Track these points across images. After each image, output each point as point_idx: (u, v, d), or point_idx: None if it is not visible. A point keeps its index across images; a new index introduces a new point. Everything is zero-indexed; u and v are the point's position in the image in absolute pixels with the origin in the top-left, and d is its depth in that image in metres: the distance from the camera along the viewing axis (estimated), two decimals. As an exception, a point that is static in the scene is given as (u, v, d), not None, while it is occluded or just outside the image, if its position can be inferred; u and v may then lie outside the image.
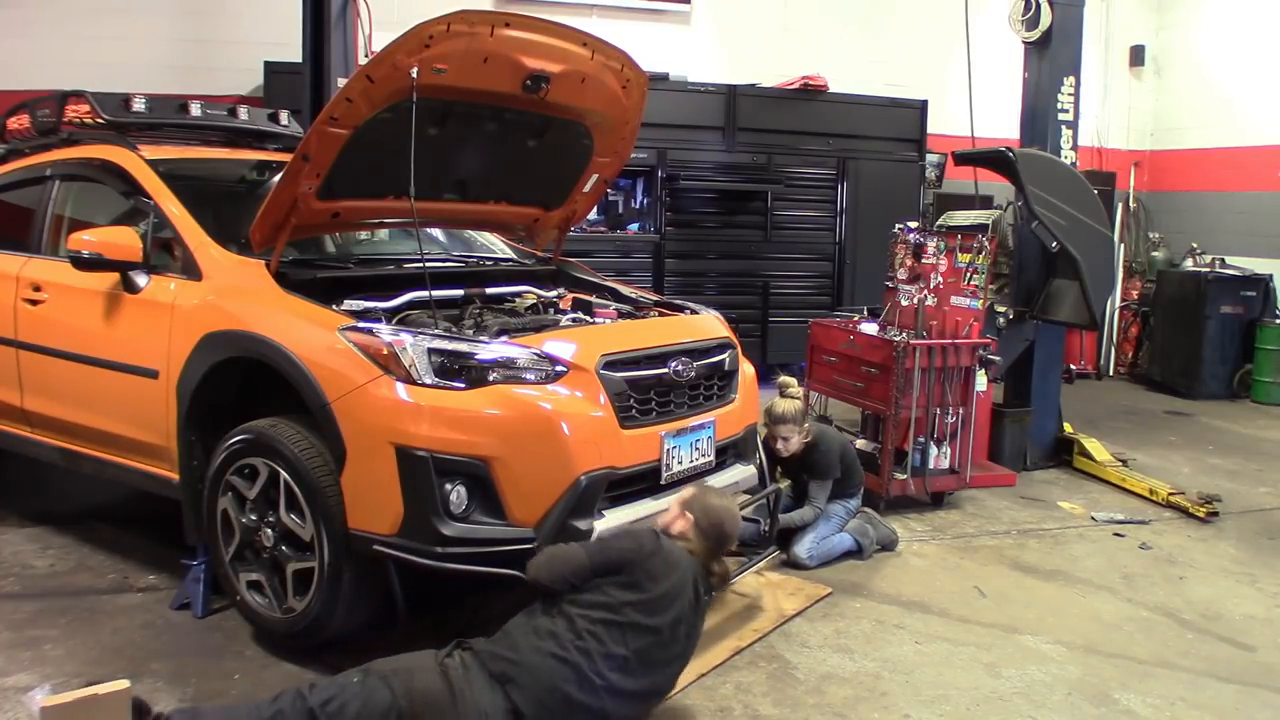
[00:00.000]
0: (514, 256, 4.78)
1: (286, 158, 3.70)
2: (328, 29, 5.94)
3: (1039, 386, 6.42)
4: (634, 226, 8.42)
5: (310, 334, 3.24)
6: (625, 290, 4.43)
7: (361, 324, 3.20)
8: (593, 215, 7.64)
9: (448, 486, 3.02)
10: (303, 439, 3.21)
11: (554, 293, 4.25)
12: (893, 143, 9.00)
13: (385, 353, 3.08)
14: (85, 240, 3.70)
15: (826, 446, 4.53)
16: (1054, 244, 5.79)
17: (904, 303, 5.92)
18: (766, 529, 4.21)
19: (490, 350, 3.19)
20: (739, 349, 4.04)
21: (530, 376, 3.20)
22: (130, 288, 3.79)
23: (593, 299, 4.27)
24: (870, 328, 5.72)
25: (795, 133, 8.68)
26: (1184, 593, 4.39)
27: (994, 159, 6.03)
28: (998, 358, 5.72)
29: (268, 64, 7.70)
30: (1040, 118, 6.39)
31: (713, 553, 2.99)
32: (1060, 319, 6.23)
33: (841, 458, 4.60)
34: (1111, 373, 10.50)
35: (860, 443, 5.62)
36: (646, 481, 3.48)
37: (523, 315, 3.86)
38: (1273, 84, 9.64)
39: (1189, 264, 9.91)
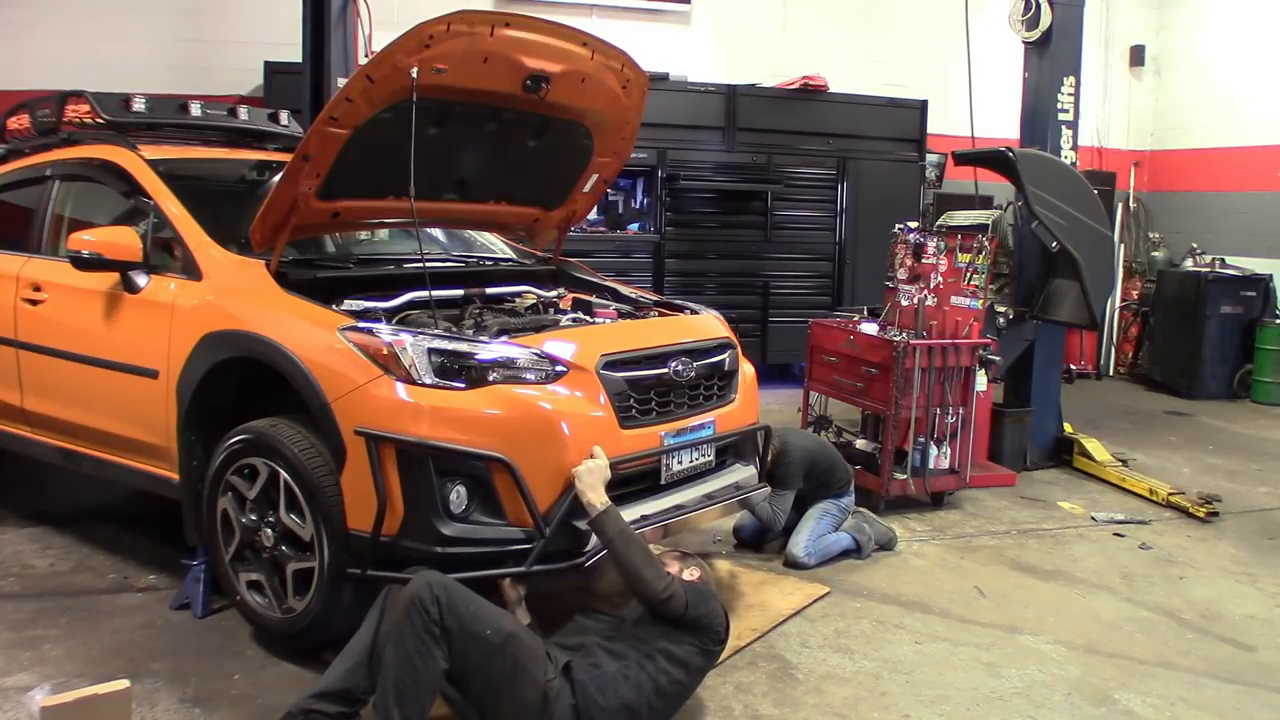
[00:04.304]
0: (514, 256, 4.78)
1: (286, 158, 3.70)
2: (328, 29, 5.93)
3: (1039, 386, 6.42)
4: (634, 226, 8.42)
5: (310, 334, 3.24)
6: (625, 290, 4.43)
7: (361, 324, 3.20)
8: (593, 215, 7.64)
9: (448, 486, 3.02)
10: (302, 439, 3.21)
11: (554, 293, 4.24)
12: (893, 143, 9.01)
13: (385, 353, 3.08)
14: (85, 240, 3.70)
15: (786, 459, 4.45)
16: (1054, 244, 5.79)
17: (904, 303, 5.92)
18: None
19: (490, 350, 3.19)
20: (739, 349, 4.04)
21: (530, 376, 3.19)
22: (130, 288, 3.79)
23: (593, 299, 4.27)
24: (870, 328, 5.71)
25: (795, 133, 8.68)
26: (1184, 593, 4.39)
27: (994, 159, 6.03)
28: (998, 358, 5.72)
29: (268, 64, 7.70)
30: (1040, 118, 6.40)
31: None
32: (1060, 319, 6.23)
33: (812, 466, 4.55)
34: (1111, 373, 10.51)
35: (860, 443, 5.62)
36: (646, 481, 3.49)
37: (523, 315, 3.86)
38: (1273, 84, 9.64)
39: (1189, 264, 9.91)
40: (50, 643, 3.45)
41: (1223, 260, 9.62)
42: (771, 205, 8.63)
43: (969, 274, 5.65)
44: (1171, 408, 8.81)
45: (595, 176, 4.36)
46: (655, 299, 4.39)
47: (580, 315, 3.97)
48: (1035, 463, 6.37)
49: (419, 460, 3.00)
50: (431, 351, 3.10)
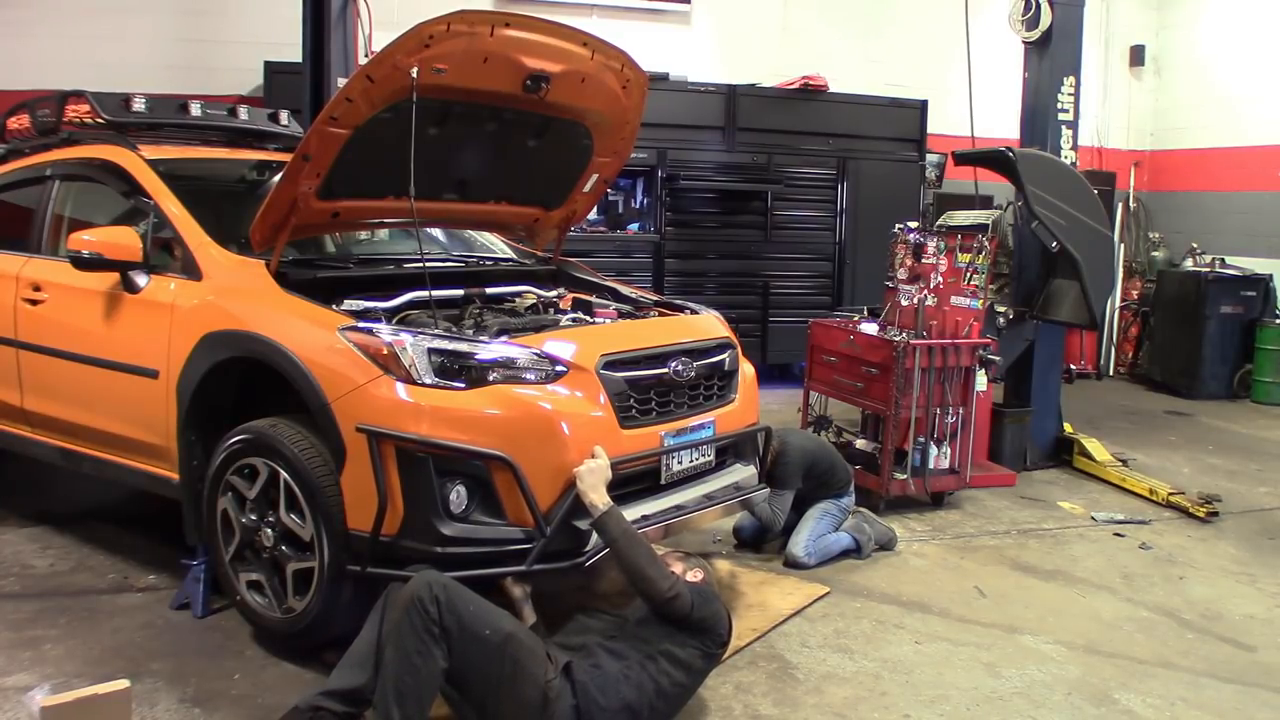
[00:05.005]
0: (514, 256, 4.78)
1: (286, 158, 3.70)
2: (328, 29, 5.94)
3: (1039, 386, 6.42)
4: (634, 226, 8.42)
5: (310, 334, 3.24)
6: (625, 290, 4.43)
7: (361, 324, 3.20)
8: (593, 215, 7.64)
9: (448, 486, 3.02)
10: (302, 439, 3.21)
11: (554, 293, 4.24)
12: (893, 143, 9.01)
13: (385, 353, 3.08)
14: (85, 240, 3.70)
15: (786, 459, 4.45)
16: (1054, 244, 5.79)
17: (904, 303, 5.92)
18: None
19: (490, 350, 3.19)
20: (739, 349, 4.04)
21: (530, 376, 3.19)
22: (130, 288, 3.79)
23: (593, 299, 4.26)
24: (870, 328, 5.71)
25: (795, 133, 8.68)
26: (1184, 593, 4.39)
27: (994, 159, 6.03)
28: (998, 358, 5.72)
29: (268, 64, 7.70)
30: (1040, 118, 6.40)
31: None
32: (1060, 319, 6.24)
33: (813, 466, 4.55)
34: (1111, 373, 10.51)
35: (860, 443, 5.62)
36: (646, 481, 3.48)
37: (523, 315, 3.86)
38: (1273, 84, 9.64)
39: (1189, 264, 9.91)
40: (50, 643, 3.45)
41: (1223, 260, 9.62)
42: (771, 205, 8.63)
43: (969, 274, 5.65)
44: (1171, 408, 8.81)
45: (595, 176, 4.36)
46: (655, 299, 4.39)
47: (580, 315, 3.97)
48: (1035, 463, 6.37)
49: (419, 460, 3.00)
50: (431, 351, 3.10)
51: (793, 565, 4.42)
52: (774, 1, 9.77)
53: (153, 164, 4.08)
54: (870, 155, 8.88)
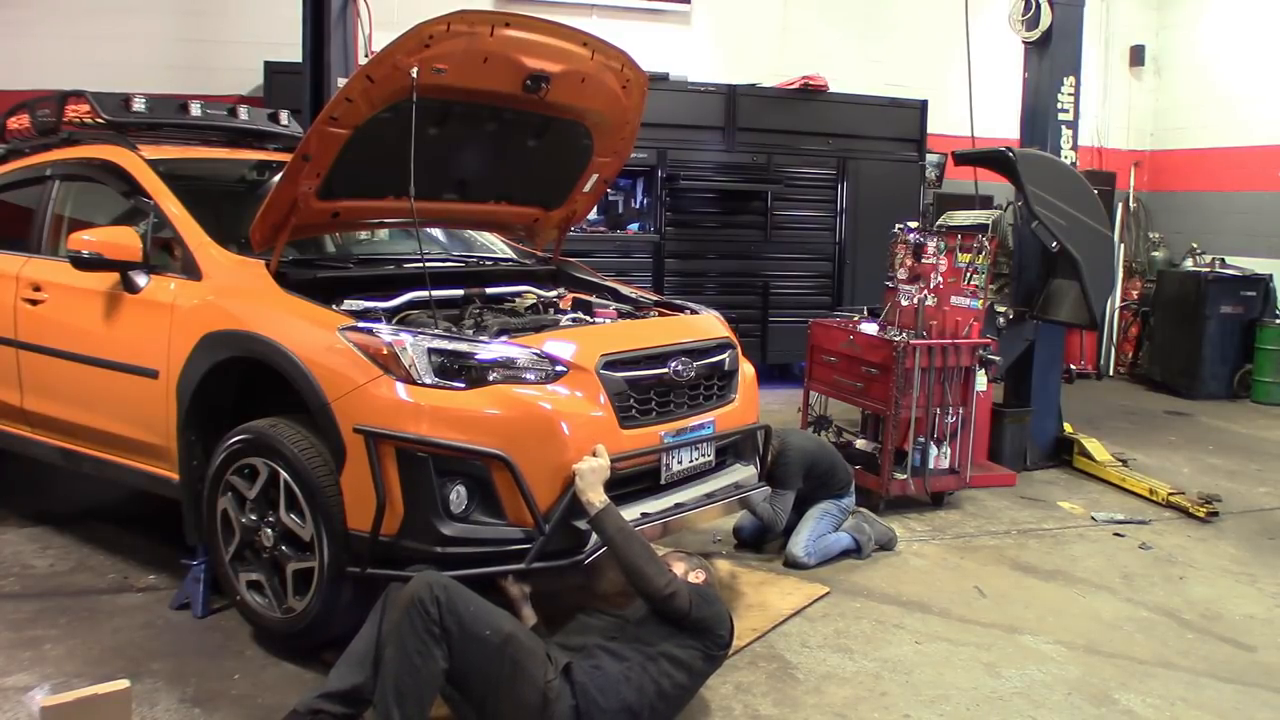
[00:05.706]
0: (514, 256, 4.78)
1: (286, 158, 3.70)
2: (328, 29, 5.94)
3: (1039, 386, 6.42)
4: (634, 226, 8.42)
5: (310, 334, 3.24)
6: (625, 290, 4.43)
7: (361, 324, 3.20)
8: (593, 215, 7.64)
9: (447, 486, 3.02)
10: (302, 439, 3.21)
11: (554, 293, 4.24)
12: (893, 143, 9.01)
13: (385, 353, 3.08)
14: (85, 240, 3.70)
15: (786, 459, 4.45)
16: (1054, 244, 5.79)
17: (904, 303, 5.92)
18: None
19: (490, 350, 3.19)
20: (739, 349, 4.04)
21: (530, 376, 3.19)
22: (130, 288, 3.79)
23: (593, 299, 4.27)
24: (870, 328, 5.71)
25: (795, 133, 8.68)
26: (1184, 593, 4.39)
27: (994, 159, 6.03)
28: (998, 358, 5.72)
29: (268, 64, 7.70)
30: (1040, 118, 6.40)
31: None
32: (1060, 319, 6.24)
33: (813, 466, 4.55)
34: (1111, 373, 10.51)
35: (860, 443, 5.62)
36: (646, 481, 3.49)
37: (523, 315, 3.86)
38: (1273, 84, 9.64)
39: (1189, 264, 9.92)
40: (50, 643, 3.45)
41: (1223, 260, 9.62)
42: (771, 205, 8.63)
43: (969, 274, 5.65)
44: (1171, 408, 8.81)
45: (595, 176, 4.36)
46: (655, 299, 4.39)
47: (580, 315, 3.97)
48: (1035, 463, 6.37)
49: (419, 460, 3.00)
50: (431, 351, 3.10)
51: (793, 565, 4.42)
52: (774, 1, 9.77)
53: (153, 164, 4.08)
54: (870, 155, 8.89)
